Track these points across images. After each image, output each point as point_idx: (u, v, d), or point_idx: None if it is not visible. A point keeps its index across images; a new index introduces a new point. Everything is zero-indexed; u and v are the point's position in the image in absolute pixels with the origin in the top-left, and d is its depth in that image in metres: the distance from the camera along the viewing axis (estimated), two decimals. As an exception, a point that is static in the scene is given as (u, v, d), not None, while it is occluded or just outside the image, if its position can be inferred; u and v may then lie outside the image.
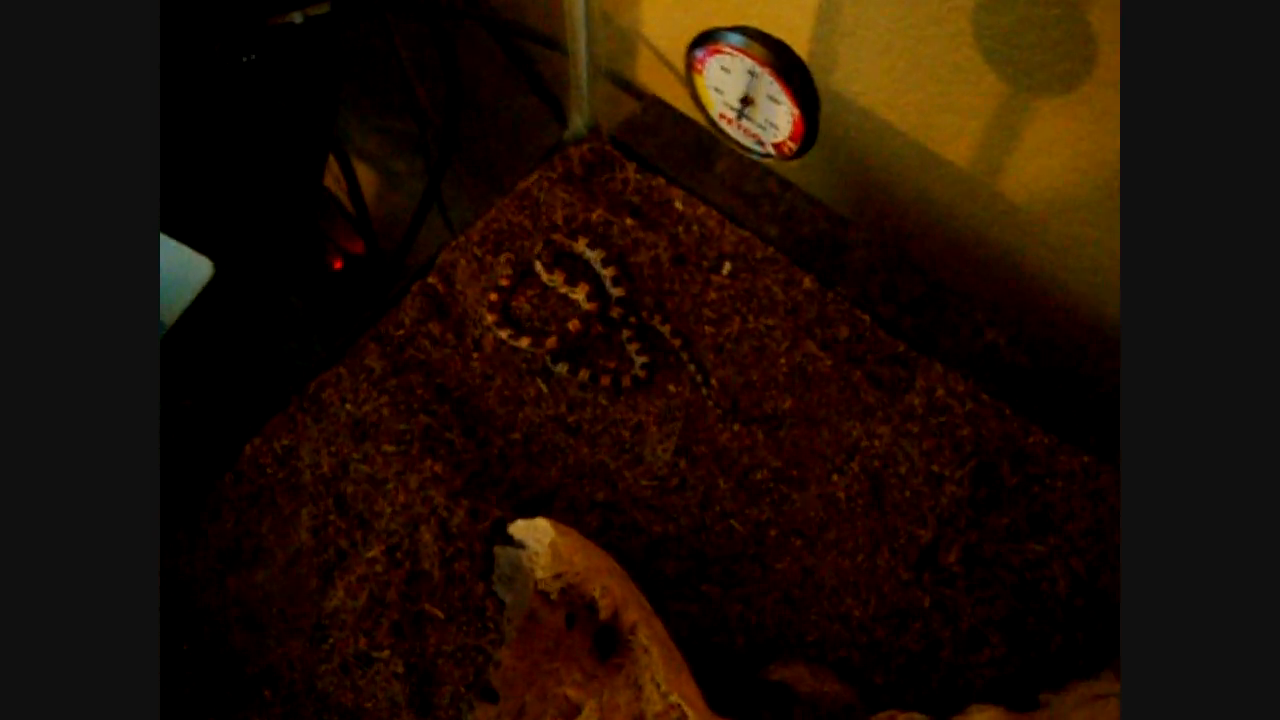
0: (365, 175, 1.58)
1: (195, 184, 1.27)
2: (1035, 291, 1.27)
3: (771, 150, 1.01)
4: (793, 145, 0.99)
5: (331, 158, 1.47)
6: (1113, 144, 1.08)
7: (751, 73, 0.96)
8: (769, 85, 0.95)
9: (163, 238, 1.16)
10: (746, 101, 0.99)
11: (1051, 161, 1.15)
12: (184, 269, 1.15)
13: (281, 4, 1.28)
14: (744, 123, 1.01)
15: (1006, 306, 1.29)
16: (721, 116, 1.03)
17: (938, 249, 1.32)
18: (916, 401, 1.11)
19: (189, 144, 1.26)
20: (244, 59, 1.26)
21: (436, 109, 1.48)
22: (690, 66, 1.00)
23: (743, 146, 1.04)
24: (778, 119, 0.98)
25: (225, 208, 1.30)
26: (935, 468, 1.07)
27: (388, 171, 1.64)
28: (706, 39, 0.97)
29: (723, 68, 0.97)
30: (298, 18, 1.29)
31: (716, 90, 1.01)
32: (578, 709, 0.89)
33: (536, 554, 0.96)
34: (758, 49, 0.94)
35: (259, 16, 1.28)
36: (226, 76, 1.28)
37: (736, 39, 0.95)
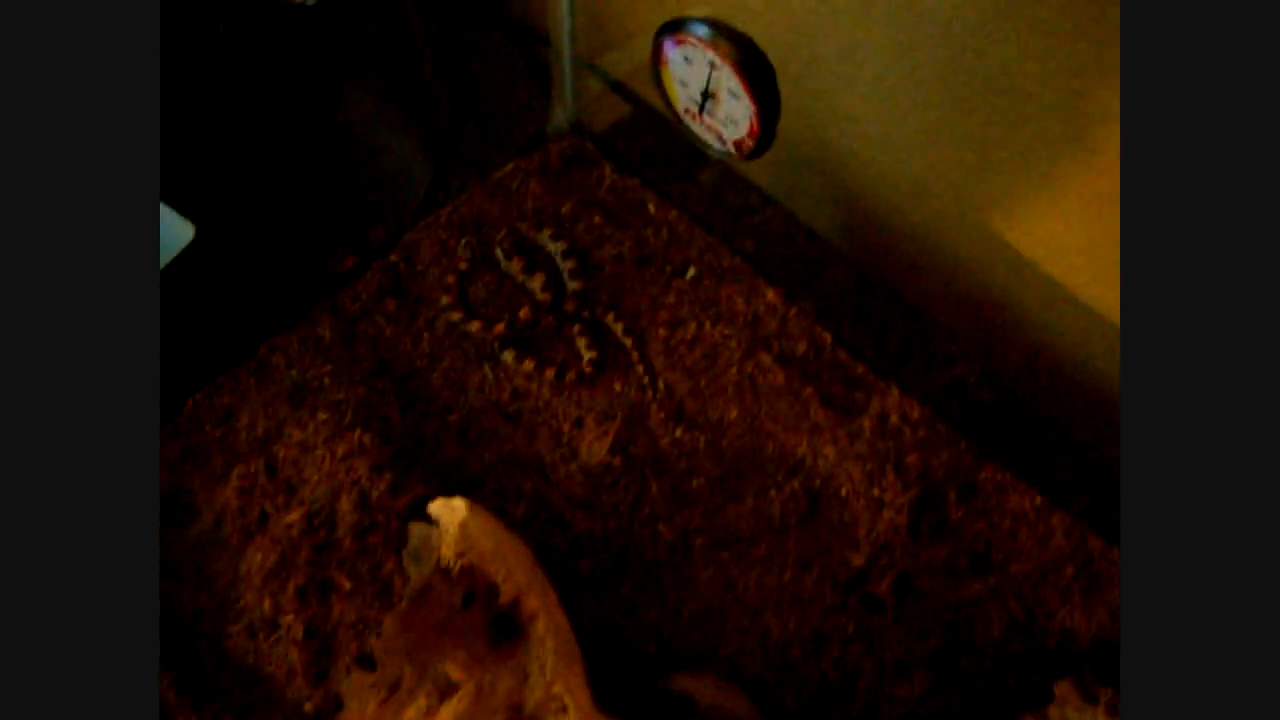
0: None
1: (188, 152, 1.28)
2: (1020, 335, 1.23)
3: (731, 148, 0.99)
4: (750, 143, 0.97)
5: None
6: (1114, 186, 1.05)
7: (713, 65, 0.94)
8: (729, 79, 0.94)
9: (146, 198, 1.17)
10: (708, 95, 0.97)
11: (1053, 202, 1.11)
12: (167, 231, 1.16)
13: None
14: (706, 118, 1.00)
15: (985, 344, 1.25)
16: (686, 111, 1.01)
17: (922, 283, 1.28)
18: (867, 424, 1.07)
19: (186, 112, 1.27)
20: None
21: (444, 96, 1.47)
22: (657, 56, 0.99)
23: (705, 144, 1.02)
24: (737, 115, 0.96)
25: (217, 178, 1.31)
26: (876, 492, 1.04)
27: (391, 153, 1.63)
28: (673, 28, 0.96)
29: (686, 58, 0.96)
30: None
31: (681, 83, 0.99)
32: (455, 688, 0.87)
33: (446, 531, 0.93)
34: (721, 42, 0.92)
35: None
36: (230, 52, 1.29)
37: (701, 30, 0.93)
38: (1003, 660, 0.98)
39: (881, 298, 1.17)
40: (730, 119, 0.97)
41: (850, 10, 1.11)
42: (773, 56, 0.93)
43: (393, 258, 1.16)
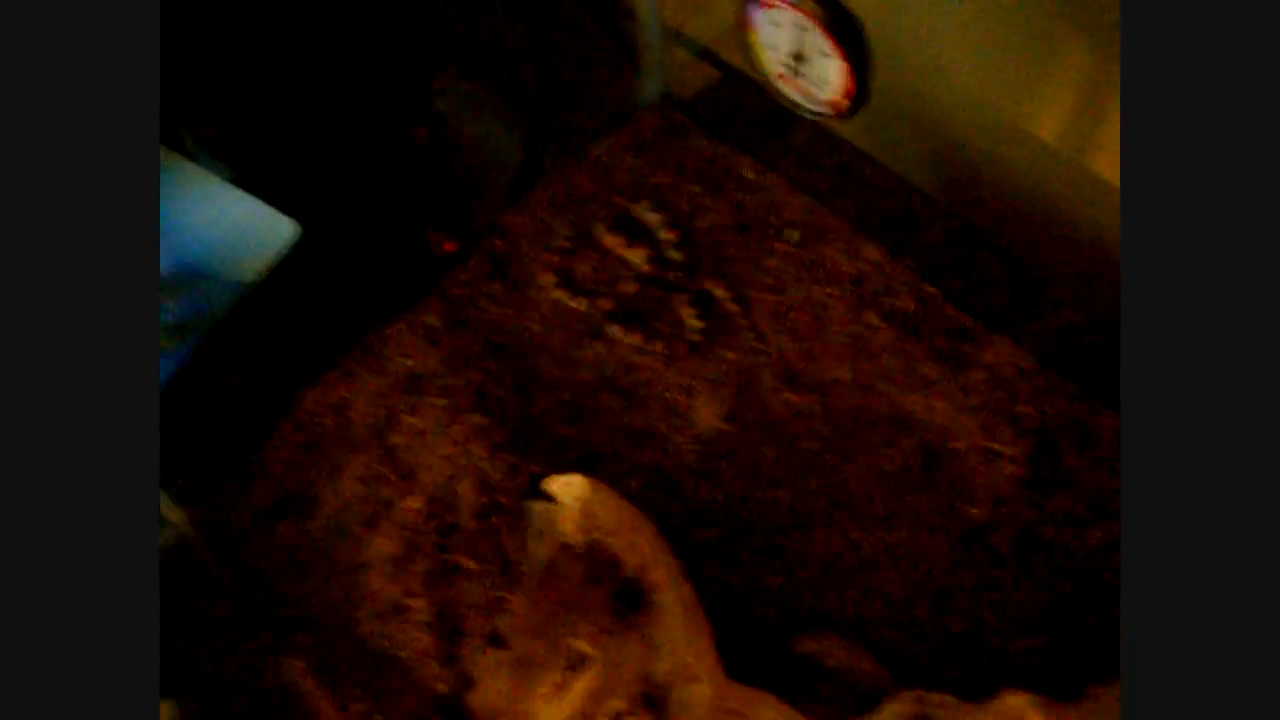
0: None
1: (286, 148, 1.30)
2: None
3: (826, 108, 0.99)
4: (845, 102, 0.96)
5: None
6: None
7: (800, 27, 0.94)
8: (818, 40, 0.93)
9: (249, 199, 1.19)
10: (798, 57, 0.97)
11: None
12: (269, 230, 1.18)
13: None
14: (798, 80, 0.99)
15: (1093, 288, 1.23)
16: (777, 75, 1.01)
17: (1024, 228, 1.26)
18: (979, 377, 1.06)
19: (281, 110, 1.29)
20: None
21: (530, 77, 1.48)
22: (743, 22, 0.98)
23: (798, 105, 1.01)
24: (829, 74, 0.95)
25: (316, 176, 1.33)
26: (993, 444, 1.03)
27: (483, 136, 1.64)
28: (758, -8, 0.95)
29: (773, 22, 0.96)
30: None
31: (770, 47, 0.99)
32: (585, 662, 0.88)
33: (567, 508, 0.95)
34: (807, 3, 0.92)
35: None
36: (317, 46, 1.31)
37: (787, -8, 0.93)
38: (1132, 608, 0.97)
39: (985, 248, 1.15)
40: (822, 79, 0.97)
41: (935, -42, 1.10)
42: (860, 11, 0.92)
43: (494, 240, 1.18)
